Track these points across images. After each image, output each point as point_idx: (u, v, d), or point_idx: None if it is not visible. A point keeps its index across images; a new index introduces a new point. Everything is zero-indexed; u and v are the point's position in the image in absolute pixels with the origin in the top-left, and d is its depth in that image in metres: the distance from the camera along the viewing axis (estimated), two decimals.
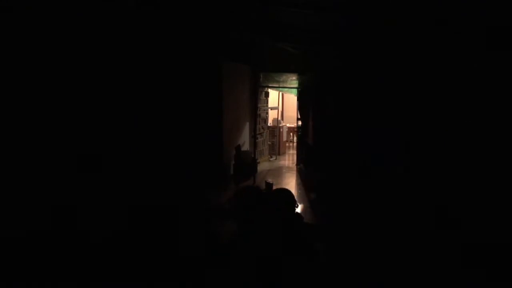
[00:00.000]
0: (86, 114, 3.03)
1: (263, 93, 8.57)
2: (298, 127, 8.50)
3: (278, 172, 7.73)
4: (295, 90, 8.70)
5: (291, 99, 10.77)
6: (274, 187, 5.16)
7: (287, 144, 10.64)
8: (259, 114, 8.23)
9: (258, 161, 7.42)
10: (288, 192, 2.51)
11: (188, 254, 2.64)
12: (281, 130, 9.86)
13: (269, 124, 9.36)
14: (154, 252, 2.95)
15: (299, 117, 8.29)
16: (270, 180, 5.86)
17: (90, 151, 3.04)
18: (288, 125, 10.73)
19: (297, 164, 8.28)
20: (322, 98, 5.79)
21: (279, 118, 10.09)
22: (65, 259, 2.64)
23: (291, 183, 6.74)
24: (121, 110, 3.42)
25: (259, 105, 8.15)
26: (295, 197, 2.49)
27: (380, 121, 3.87)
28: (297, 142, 8.95)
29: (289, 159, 9.54)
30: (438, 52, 3.04)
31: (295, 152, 9.16)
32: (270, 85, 8.58)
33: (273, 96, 9.80)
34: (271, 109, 9.40)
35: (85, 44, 3.01)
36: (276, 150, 9.62)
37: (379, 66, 3.93)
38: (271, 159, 9.13)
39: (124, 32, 3.44)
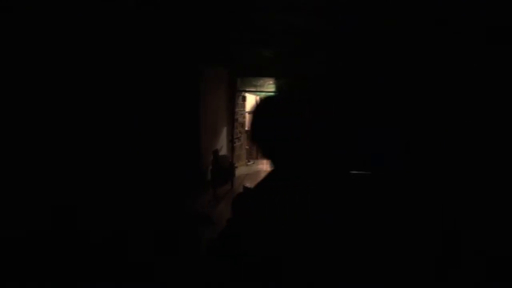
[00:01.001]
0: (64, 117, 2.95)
1: (241, 97, 8.55)
2: None
3: (256, 176, 7.71)
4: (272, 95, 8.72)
5: None
6: None
7: None
8: (237, 119, 8.21)
9: (236, 165, 7.38)
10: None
11: (166, 259, 2.59)
12: None
13: (246, 129, 9.34)
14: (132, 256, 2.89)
15: None
16: (248, 185, 5.83)
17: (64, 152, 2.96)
18: None
19: None
20: (301, 102, 5.82)
21: None
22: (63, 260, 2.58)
23: None
24: (101, 113, 3.34)
25: (236, 109, 8.13)
26: None
27: (373, 122, 3.90)
28: None
29: (267, 163, 9.52)
30: (437, 52, 3.08)
31: None
32: (248, 89, 8.58)
33: (251, 100, 9.80)
34: (248, 113, 9.39)
35: (53, 49, 2.93)
36: (254, 154, 9.61)
37: (370, 70, 3.98)
38: (248, 163, 9.10)
39: (106, 35, 3.37)
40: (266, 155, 1.36)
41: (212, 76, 6.70)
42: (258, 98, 10.06)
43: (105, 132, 3.43)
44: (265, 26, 4.35)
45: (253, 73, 7.32)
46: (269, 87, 8.39)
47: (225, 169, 6.55)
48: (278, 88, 8.05)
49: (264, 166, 9.08)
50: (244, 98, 8.75)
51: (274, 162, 1.36)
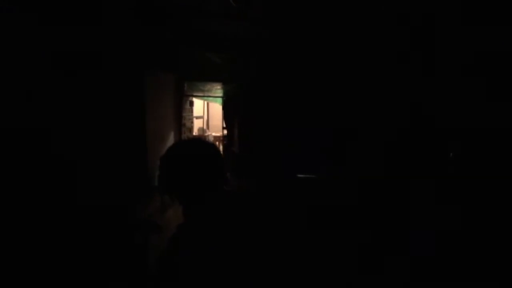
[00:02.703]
0: None
1: (188, 102, 8.47)
2: (224, 136, 8.55)
3: None
4: (220, 99, 8.76)
5: (217, 108, 10.81)
6: None
7: None
8: (184, 124, 8.11)
9: None
10: None
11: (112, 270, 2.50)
12: (207, 139, 9.83)
13: (194, 134, 9.26)
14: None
15: (225, 126, 8.35)
16: None
17: None
18: (213, 134, 10.72)
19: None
20: (245, 107, 5.92)
21: (205, 127, 10.05)
22: None
23: None
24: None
25: (183, 114, 8.03)
26: None
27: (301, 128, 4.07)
28: (223, 151, 8.99)
29: None
30: (364, 58, 3.28)
31: None
32: (195, 94, 8.53)
33: (198, 105, 9.73)
34: (196, 118, 9.32)
35: None
36: None
37: (296, 77, 4.15)
38: None
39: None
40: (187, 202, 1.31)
41: (158, 80, 6.57)
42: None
43: (41, 136, 3.23)
44: (206, 32, 4.39)
45: (200, 77, 7.29)
46: (216, 92, 8.41)
47: None
48: (226, 93, 8.10)
49: None
50: (191, 103, 8.67)
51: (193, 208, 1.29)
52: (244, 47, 4.71)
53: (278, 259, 1.32)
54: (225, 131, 8.28)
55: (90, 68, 3.93)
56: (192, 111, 8.82)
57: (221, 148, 10.22)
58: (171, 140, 7.38)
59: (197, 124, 9.70)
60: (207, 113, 11.15)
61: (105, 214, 3.61)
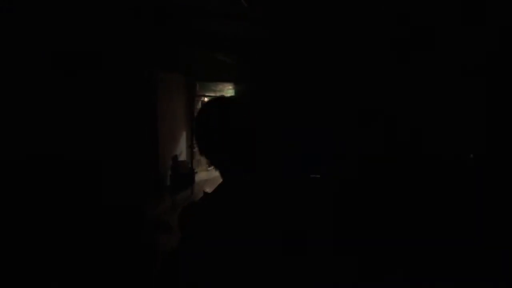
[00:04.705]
0: None
1: (200, 102, 8.53)
2: None
3: (216, 181, 7.52)
4: None
5: None
6: None
7: None
8: None
9: (195, 171, 7.34)
10: None
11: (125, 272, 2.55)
12: None
13: None
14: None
15: None
16: (208, 190, 5.81)
17: None
18: None
19: None
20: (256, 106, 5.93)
21: None
22: None
23: None
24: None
25: (195, 114, 8.10)
26: None
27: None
28: None
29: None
30: (367, 57, 3.26)
31: None
32: (207, 94, 8.58)
33: None
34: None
35: None
36: None
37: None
38: (209, 168, 9.06)
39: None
40: (216, 165, 1.28)
41: (170, 81, 6.64)
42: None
43: (56, 136, 3.32)
44: (207, 32, 4.42)
45: (212, 78, 7.34)
46: (228, 92, 8.44)
47: (184, 174, 6.50)
48: (237, 93, 8.13)
49: None
50: (203, 103, 8.74)
51: (226, 171, 1.27)
52: (244, 47, 4.73)
53: (279, 260, 1.31)
54: None
55: (94, 69, 4.00)
56: None
57: None
58: (182, 140, 7.46)
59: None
60: None
61: (117, 214, 3.68)
